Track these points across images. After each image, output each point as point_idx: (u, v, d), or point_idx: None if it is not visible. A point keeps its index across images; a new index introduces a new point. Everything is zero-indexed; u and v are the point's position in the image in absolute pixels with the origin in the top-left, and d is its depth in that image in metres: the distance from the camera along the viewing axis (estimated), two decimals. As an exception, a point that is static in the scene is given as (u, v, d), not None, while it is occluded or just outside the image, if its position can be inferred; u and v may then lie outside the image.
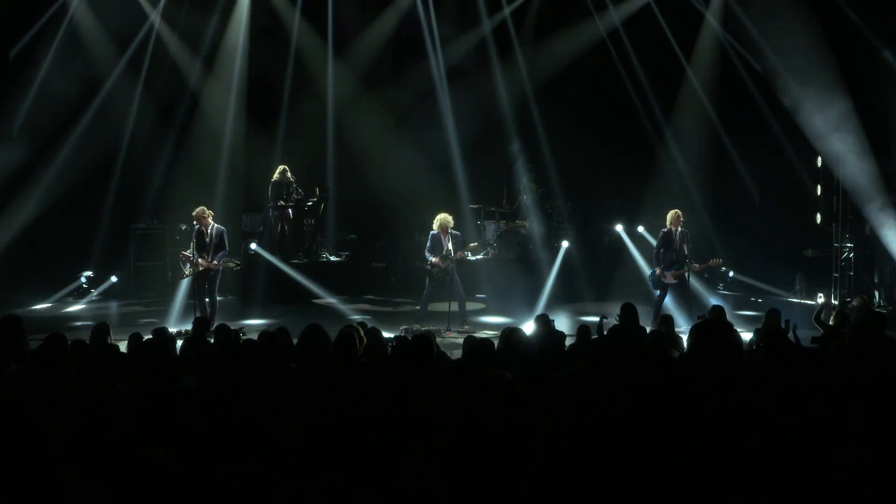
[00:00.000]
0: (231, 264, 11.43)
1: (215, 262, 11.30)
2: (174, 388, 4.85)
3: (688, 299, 11.69)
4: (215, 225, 11.40)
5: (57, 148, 14.75)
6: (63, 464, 1.99)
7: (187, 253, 11.42)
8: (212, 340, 7.82)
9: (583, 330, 8.08)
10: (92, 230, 14.80)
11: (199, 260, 11.22)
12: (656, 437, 1.37)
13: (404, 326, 11.28)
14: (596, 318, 9.41)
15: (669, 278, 11.63)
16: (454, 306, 11.51)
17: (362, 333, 6.24)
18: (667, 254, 11.69)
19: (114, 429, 3.94)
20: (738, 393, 3.16)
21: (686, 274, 11.64)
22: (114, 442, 3.73)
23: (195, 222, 11.45)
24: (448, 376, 4.95)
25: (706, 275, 13.39)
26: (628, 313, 8.40)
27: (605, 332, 8.38)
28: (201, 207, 11.44)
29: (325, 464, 3.56)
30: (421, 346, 5.00)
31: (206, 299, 11.34)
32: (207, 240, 11.25)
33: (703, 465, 1.33)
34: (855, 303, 10.21)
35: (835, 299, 13.16)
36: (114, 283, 14.59)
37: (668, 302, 11.80)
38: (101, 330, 7.40)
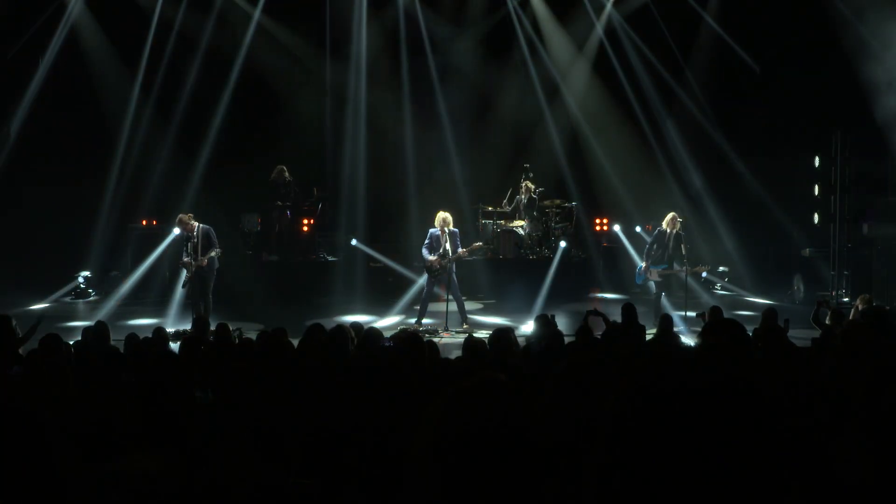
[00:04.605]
0: (213, 253, 11.19)
1: (205, 260, 11.16)
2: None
3: (685, 299, 11.72)
4: (199, 225, 11.28)
5: (56, 148, 14.74)
6: (63, 462, 2.00)
7: (186, 259, 11.34)
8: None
9: (583, 331, 8.05)
10: (91, 230, 14.78)
11: (187, 259, 11.14)
12: (658, 437, 1.38)
13: (402, 326, 11.28)
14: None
15: (654, 276, 11.74)
16: (452, 306, 11.48)
17: (353, 334, 6.24)
18: (657, 252, 11.79)
19: (115, 428, 3.94)
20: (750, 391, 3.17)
21: (684, 275, 11.68)
22: (114, 441, 3.73)
23: (177, 229, 11.36)
24: (445, 377, 4.95)
25: (703, 275, 13.42)
26: (628, 313, 8.41)
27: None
28: (181, 214, 11.35)
29: (323, 464, 3.56)
30: (410, 346, 5.00)
31: (201, 300, 11.23)
32: (195, 242, 11.17)
33: (703, 466, 1.33)
34: (859, 305, 10.01)
35: (832, 299, 13.16)
36: (115, 276, 14.58)
37: (666, 302, 11.83)
38: (100, 331, 7.38)
